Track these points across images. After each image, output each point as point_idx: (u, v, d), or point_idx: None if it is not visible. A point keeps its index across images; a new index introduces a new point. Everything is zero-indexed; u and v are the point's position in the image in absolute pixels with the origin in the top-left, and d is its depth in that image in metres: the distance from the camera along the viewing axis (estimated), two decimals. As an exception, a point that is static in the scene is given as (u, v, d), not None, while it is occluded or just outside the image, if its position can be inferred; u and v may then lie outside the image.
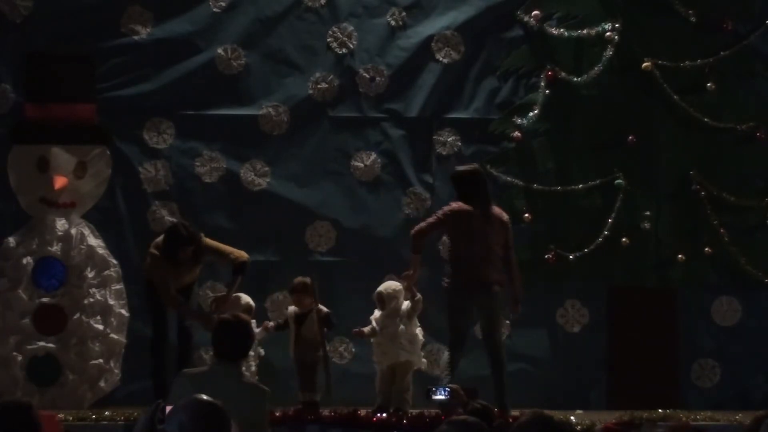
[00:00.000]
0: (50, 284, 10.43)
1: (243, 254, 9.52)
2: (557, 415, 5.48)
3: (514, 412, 7.99)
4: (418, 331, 9.41)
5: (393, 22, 11.16)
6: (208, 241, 9.55)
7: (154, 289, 9.55)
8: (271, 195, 10.97)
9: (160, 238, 9.55)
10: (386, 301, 9.32)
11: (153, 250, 9.50)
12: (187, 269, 9.55)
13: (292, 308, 9.42)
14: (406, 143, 11.10)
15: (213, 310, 9.46)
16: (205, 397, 4.58)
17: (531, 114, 10.99)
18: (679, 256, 11.01)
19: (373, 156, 11.07)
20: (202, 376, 6.13)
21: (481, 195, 9.46)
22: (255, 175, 10.98)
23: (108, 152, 10.80)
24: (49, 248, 10.44)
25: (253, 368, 9.77)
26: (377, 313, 9.43)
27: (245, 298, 9.87)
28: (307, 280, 9.32)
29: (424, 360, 9.60)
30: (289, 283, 10.91)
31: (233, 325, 6.29)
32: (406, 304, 9.34)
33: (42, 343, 10.31)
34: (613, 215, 10.96)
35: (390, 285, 9.44)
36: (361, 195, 11.04)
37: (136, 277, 10.29)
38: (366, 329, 9.39)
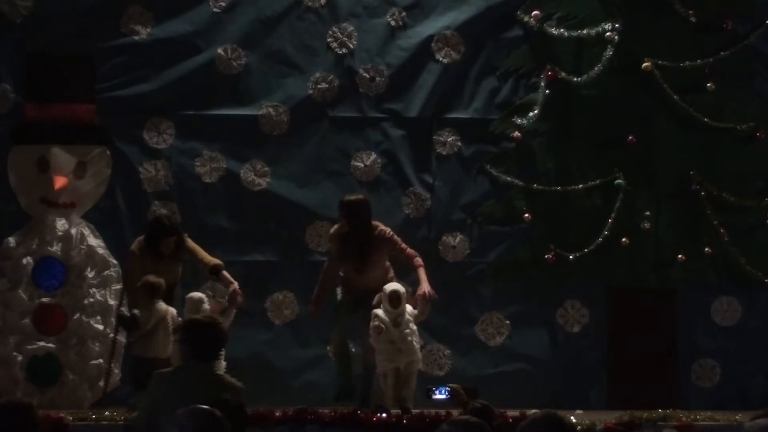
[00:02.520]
0: (50, 284, 10.43)
1: (218, 261, 9.62)
2: (557, 414, 5.45)
3: (514, 412, 7.96)
4: None
5: (393, 22, 11.16)
6: (189, 241, 9.63)
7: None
8: (271, 195, 10.96)
9: (142, 237, 9.62)
10: (402, 300, 9.31)
11: (133, 247, 9.59)
12: (168, 265, 9.52)
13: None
14: (406, 143, 11.10)
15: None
16: (204, 406, 4.61)
17: (531, 114, 10.99)
18: (679, 256, 11.01)
19: (373, 156, 11.07)
20: (176, 376, 6.13)
21: None
22: (255, 175, 10.97)
23: (108, 152, 10.80)
24: (49, 248, 10.43)
25: (223, 364, 9.56)
26: (381, 312, 9.29)
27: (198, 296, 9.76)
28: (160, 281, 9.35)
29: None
30: (287, 282, 10.91)
31: (204, 325, 6.26)
32: (409, 308, 9.37)
33: (42, 343, 10.31)
34: (613, 215, 10.96)
35: (400, 286, 9.45)
36: (361, 195, 11.03)
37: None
38: (380, 324, 9.29)
